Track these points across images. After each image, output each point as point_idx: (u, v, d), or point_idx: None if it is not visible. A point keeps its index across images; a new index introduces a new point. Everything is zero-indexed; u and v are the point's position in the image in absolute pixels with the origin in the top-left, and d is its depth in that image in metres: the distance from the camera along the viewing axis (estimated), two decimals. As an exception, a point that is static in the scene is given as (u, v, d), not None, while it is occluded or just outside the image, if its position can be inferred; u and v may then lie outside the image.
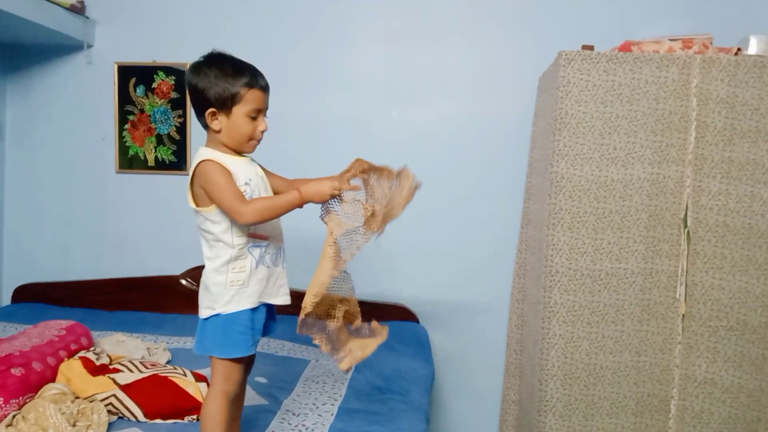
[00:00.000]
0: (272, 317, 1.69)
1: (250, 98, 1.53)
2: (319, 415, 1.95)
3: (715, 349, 2.23)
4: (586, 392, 2.27)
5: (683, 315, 2.24)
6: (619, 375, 2.27)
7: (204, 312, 1.56)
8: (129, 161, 3.07)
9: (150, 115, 3.04)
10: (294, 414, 1.95)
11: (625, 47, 2.35)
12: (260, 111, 1.55)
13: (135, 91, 3.04)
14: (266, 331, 1.66)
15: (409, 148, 2.94)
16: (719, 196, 2.21)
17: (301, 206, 1.52)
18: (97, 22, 3.04)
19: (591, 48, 2.29)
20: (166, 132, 3.04)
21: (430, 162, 2.94)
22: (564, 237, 2.24)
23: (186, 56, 2.91)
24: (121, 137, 3.06)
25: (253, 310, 1.56)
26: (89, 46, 3.04)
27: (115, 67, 3.03)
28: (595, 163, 2.23)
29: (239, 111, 1.53)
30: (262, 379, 2.22)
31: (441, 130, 2.94)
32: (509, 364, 2.78)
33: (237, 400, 1.64)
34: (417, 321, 2.94)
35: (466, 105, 2.93)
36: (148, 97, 3.03)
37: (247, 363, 1.67)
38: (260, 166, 1.67)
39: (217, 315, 1.54)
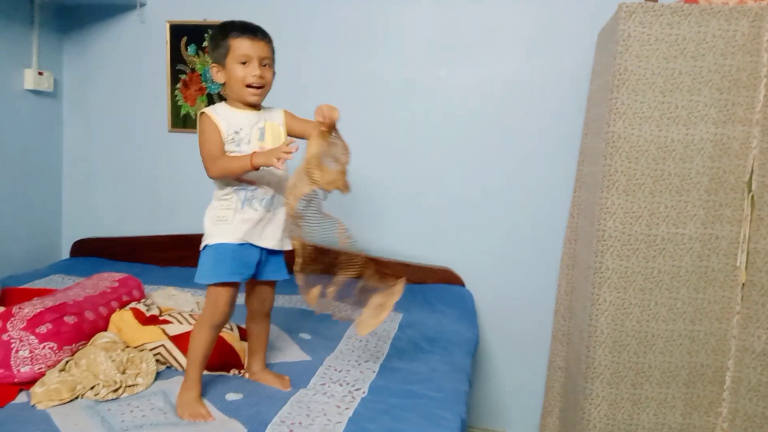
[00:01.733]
0: (274, 262, 1.79)
1: (236, 46, 1.68)
2: (361, 372, 1.96)
3: (777, 321, 2.12)
4: (635, 360, 2.20)
5: (743, 284, 2.13)
6: (671, 344, 2.18)
7: (202, 245, 1.73)
8: (181, 120, 3.11)
9: (201, 74, 3.06)
10: (336, 370, 1.97)
11: (692, -1, 2.21)
12: (249, 57, 1.67)
13: (186, 50, 3.06)
14: (262, 273, 1.77)
15: (458, 109, 2.88)
16: (789, 158, 2.08)
17: (253, 169, 1.63)
18: (149, -19, 3.07)
19: (654, 0, 2.16)
20: (216, 91, 3.06)
21: (480, 123, 2.87)
22: (618, 200, 2.15)
23: (236, 14, 2.84)
24: (173, 96, 3.09)
25: (241, 245, 1.69)
26: (142, 5, 3.07)
27: (167, 25, 3.05)
28: (654, 123, 2.12)
29: (230, 60, 1.69)
30: (306, 336, 2.24)
31: (491, 91, 2.85)
32: (556, 331, 2.72)
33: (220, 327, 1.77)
34: (462, 284, 2.90)
35: (519, 63, 2.82)
36: (199, 56, 3.05)
37: (257, 300, 1.83)
38: (284, 116, 1.79)
39: (206, 246, 1.71)
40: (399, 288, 1.83)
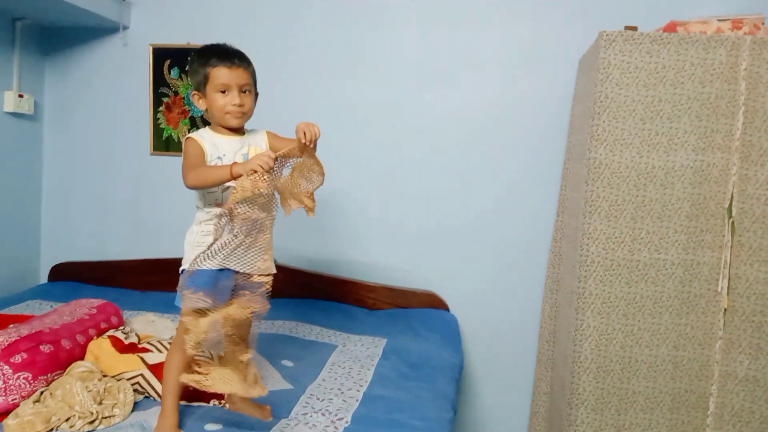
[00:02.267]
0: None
1: (215, 75, 1.68)
2: (344, 400, 1.93)
3: (759, 346, 2.13)
4: (619, 386, 2.20)
5: (725, 309, 2.15)
6: (655, 369, 2.19)
7: (181, 268, 1.72)
8: (164, 143, 3.08)
9: (184, 98, 3.05)
10: (318, 399, 1.94)
11: (670, 27, 2.25)
12: (228, 86, 1.67)
13: (169, 73, 3.05)
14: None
15: (443, 133, 2.89)
16: (767, 185, 2.10)
17: (233, 178, 1.58)
18: (132, 4, 3.06)
19: (634, 29, 2.19)
20: (199, 114, 3.04)
21: (464, 147, 2.88)
22: (601, 225, 2.16)
23: (220, 38, 2.84)
24: (155, 119, 3.07)
25: (220, 271, 1.65)
26: (125, 28, 3.06)
27: (150, 49, 3.04)
28: (635, 149, 2.14)
29: (210, 89, 1.69)
30: (288, 363, 2.21)
31: (475, 115, 2.87)
32: (541, 355, 2.71)
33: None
34: (447, 309, 2.89)
35: (502, 89, 2.85)
36: (182, 80, 3.04)
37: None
38: (267, 138, 1.79)
39: (183, 270, 1.70)
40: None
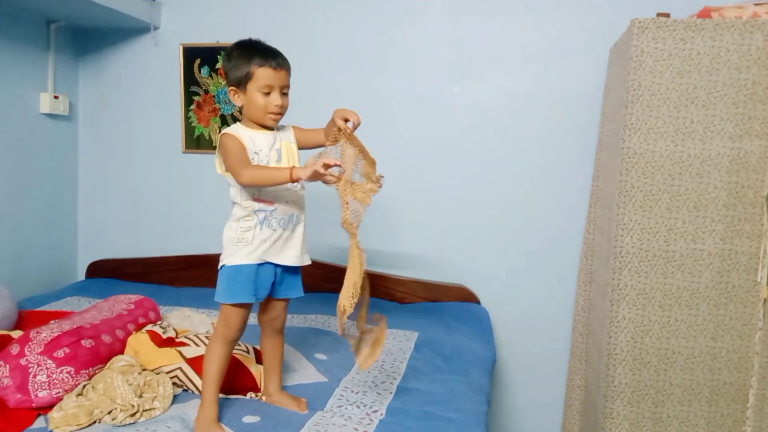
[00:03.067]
0: (289, 279, 1.80)
1: (260, 75, 1.68)
2: (378, 393, 1.94)
3: (801, 337, 2.08)
4: (656, 378, 2.17)
5: (765, 299, 2.10)
6: (692, 361, 2.15)
7: (220, 263, 1.75)
8: (195, 141, 3.13)
9: (214, 96, 3.08)
10: (353, 392, 1.95)
11: (705, 13, 2.20)
12: (272, 87, 1.69)
13: (200, 72, 3.08)
14: (277, 292, 1.79)
15: (472, 126, 2.87)
16: (808, 172, 2.05)
17: (292, 181, 1.62)
18: (162, 5, 3.10)
19: (666, 15, 2.15)
20: (229, 112, 3.08)
21: (494, 140, 2.86)
22: (635, 216, 2.13)
23: (248, 36, 2.92)
24: (187, 118, 3.11)
25: (259, 265, 1.71)
26: (156, 28, 3.10)
27: (181, 48, 3.08)
28: (670, 138, 2.11)
29: (252, 88, 1.69)
30: (322, 356, 2.22)
31: (505, 107, 2.85)
32: (575, 348, 2.69)
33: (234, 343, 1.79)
34: (478, 302, 2.88)
35: (532, 80, 2.82)
36: (212, 78, 3.07)
37: (268, 317, 1.83)
38: (294, 132, 1.81)
39: (223, 266, 1.73)
40: (384, 322, 1.79)
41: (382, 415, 1.80)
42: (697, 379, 2.16)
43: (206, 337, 2.03)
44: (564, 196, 2.81)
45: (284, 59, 1.73)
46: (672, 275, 2.14)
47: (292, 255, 1.77)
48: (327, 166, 1.57)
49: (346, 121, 1.70)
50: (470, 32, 2.85)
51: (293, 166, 1.66)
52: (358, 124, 1.71)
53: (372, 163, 1.70)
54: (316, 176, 1.58)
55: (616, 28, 2.52)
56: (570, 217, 2.80)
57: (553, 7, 2.78)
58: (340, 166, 1.61)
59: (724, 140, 2.09)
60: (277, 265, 1.75)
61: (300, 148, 1.81)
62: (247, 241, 1.70)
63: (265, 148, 1.72)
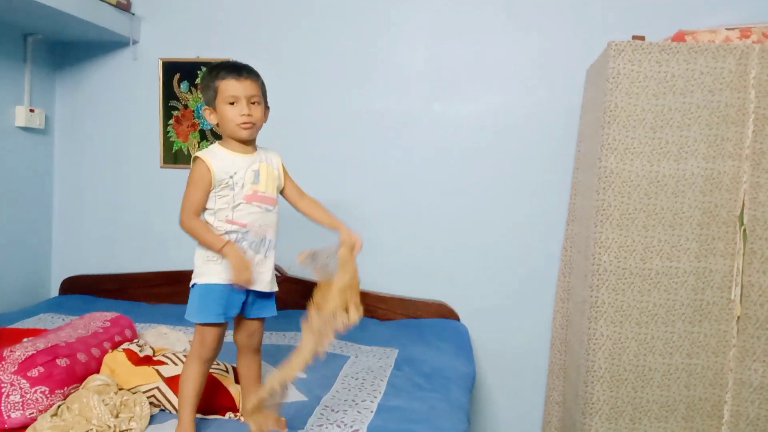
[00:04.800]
0: (261, 300, 1.79)
1: (224, 88, 1.70)
2: (358, 411, 1.93)
3: (773, 354, 2.12)
4: (633, 395, 2.19)
5: (738, 317, 2.14)
6: (669, 378, 2.18)
7: (191, 282, 1.75)
8: (173, 156, 3.10)
9: (193, 111, 3.07)
10: (333, 410, 1.93)
11: (679, 37, 2.26)
12: (237, 97, 1.70)
13: (179, 86, 3.07)
14: (249, 312, 1.78)
15: (452, 143, 2.90)
16: (779, 192, 2.11)
17: (219, 253, 1.67)
18: (142, 19, 3.08)
19: (642, 38, 2.21)
20: (208, 127, 3.06)
21: (473, 157, 2.89)
22: (612, 234, 2.16)
23: (228, 52, 2.93)
24: (165, 132, 3.09)
25: (229, 285, 1.70)
26: (135, 43, 3.09)
27: (160, 63, 3.07)
28: (645, 158, 2.15)
29: (220, 102, 1.71)
30: (301, 375, 2.20)
31: (484, 125, 2.88)
32: (553, 365, 2.71)
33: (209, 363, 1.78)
34: (458, 319, 2.89)
35: (511, 98, 2.86)
36: (191, 93, 3.06)
37: (244, 336, 1.81)
38: (281, 162, 1.83)
39: (194, 284, 1.73)
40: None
41: (362, 434, 1.79)
42: (674, 396, 2.19)
43: (184, 356, 2.00)
44: (542, 213, 2.84)
45: (250, 71, 1.74)
46: (648, 293, 2.17)
47: (263, 281, 1.75)
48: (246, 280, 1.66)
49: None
50: (451, 51, 2.89)
51: (228, 243, 1.66)
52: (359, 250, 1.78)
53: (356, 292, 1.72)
54: (237, 269, 1.64)
55: (592, 50, 2.57)
56: (548, 234, 2.83)
57: (531, 28, 2.83)
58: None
59: (698, 161, 2.14)
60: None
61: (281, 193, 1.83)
62: (217, 260, 1.69)
63: (240, 169, 1.71)
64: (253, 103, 1.73)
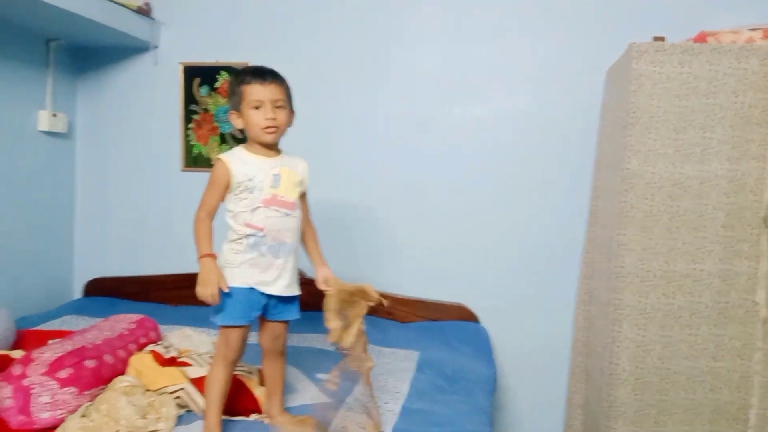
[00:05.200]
0: (283, 304, 1.81)
1: (248, 92, 1.73)
2: (382, 414, 1.93)
3: (800, 356, 2.11)
4: (658, 398, 2.18)
5: (764, 319, 2.13)
6: (694, 381, 2.17)
7: None
8: (194, 159, 3.13)
9: (213, 115, 3.09)
10: (356, 412, 1.94)
11: (701, 38, 2.25)
12: (261, 101, 1.72)
13: (199, 90, 3.09)
14: (272, 315, 1.80)
15: (470, 146, 2.90)
16: (805, 193, 2.09)
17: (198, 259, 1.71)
18: (162, 23, 3.11)
19: (662, 39, 2.20)
20: (228, 131, 3.08)
21: (491, 160, 2.89)
22: (636, 236, 2.15)
23: (248, 56, 2.95)
24: (186, 136, 3.12)
25: (250, 289, 1.72)
26: (155, 47, 3.11)
27: (180, 67, 3.09)
28: (669, 160, 2.14)
29: (245, 106, 1.74)
30: (323, 376, 2.21)
31: (502, 127, 2.88)
32: (575, 368, 2.70)
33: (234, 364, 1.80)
34: (477, 321, 2.88)
35: (529, 101, 2.86)
36: (211, 97, 3.08)
37: (268, 339, 1.83)
38: (306, 171, 1.86)
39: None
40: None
41: (388, 436, 1.79)
42: (699, 399, 2.17)
43: (210, 357, 2.02)
44: (562, 216, 2.83)
45: (275, 75, 1.76)
46: (673, 295, 2.16)
47: (281, 285, 1.77)
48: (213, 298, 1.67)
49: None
50: (468, 53, 2.89)
51: (209, 254, 1.69)
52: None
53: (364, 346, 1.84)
54: (200, 283, 1.67)
55: (612, 51, 2.56)
56: (568, 236, 2.82)
57: (549, 30, 2.82)
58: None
59: (722, 162, 2.13)
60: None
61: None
62: (236, 264, 1.72)
63: (260, 172, 1.73)
64: (278, 107, 1.74)
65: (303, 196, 1.86)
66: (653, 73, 2.14)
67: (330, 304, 1.77)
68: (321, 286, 1.81)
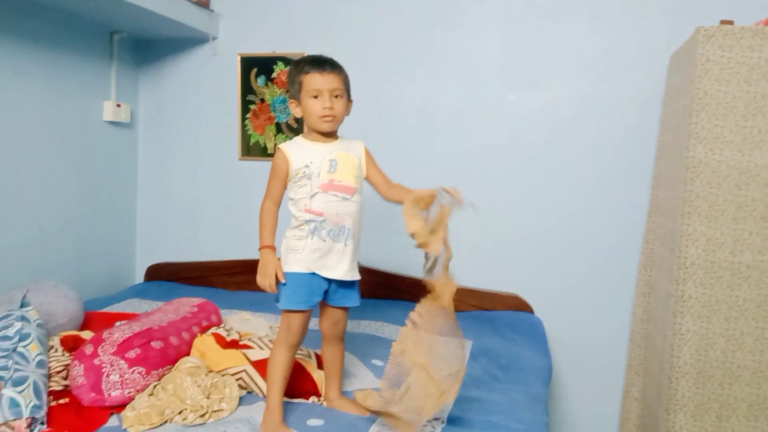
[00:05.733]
0: (344, 290, 1.83)
1: (307, 81, 1.75)
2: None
3: None
4: (720, 392, 2.12)
5: (836, 314, 2.04)
6: (759, 376, 2.10)
7: None
8: (251, 149, 3.19)
9: (270, 105, 3.14)
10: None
11: (773, 21, 2.16)
12: (320, 91, 1.74)
13: (256, 81, 3.15)
14: (332, 300, 1.82)
15: (526, 134, 2.87)
16: None
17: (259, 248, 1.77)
18: (221, 15, 3.17)
19: (730, 23, 2.12)
20: (284, 120, 3.13)
21: (548, 148, 2.85)
22: (700, 227, 2.09)
23: (303, 46, 2.99)
24: (243, 126, 3.18)
25: (310, 274, 1.75)
26: (214, 38, 3.18)
27: (238, 58, 3.15)
28: (736, 147, 2.07)
29: (304, 95, 1.76)
30: (378, 362, 2.24)
31: (561, 115, 2.83)
32: (632, 360, 2.65)
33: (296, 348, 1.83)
34: (532, 311, 2.86)
35: (587, 87, 2.80)
36: (268, 87, 3.13)
37: (328, 324, 1.86)
38: (364, 151, 1.86)
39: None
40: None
41: (443, 423, 1.80)
42: (764, 394, 2.10)
43: (269, 341, 2.06)
44: (621, 205, 2.77)
45: (334, 65, 1.78)
46: (738, 287, 2.09)
47: (342, 269, 1.79)
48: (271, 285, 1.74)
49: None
50: (526, 39, 2.85)
51: (268, 246, 1.76)
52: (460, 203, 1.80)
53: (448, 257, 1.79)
54: (259, 272, 1.74)
55: (676, 36, 2.49)
56: (627, 226, 2.76)
57: (611, 15, 2.75)
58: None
59: (793, 150, 2.05)
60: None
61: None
62: (298, 249, 1.75)
63: (317, 159, 1.75)
64: (336, 97, 1.76)
65: (373, 172, 1.85)
66: (721, 57, 2.07)
67: (408, 209, 1.70)
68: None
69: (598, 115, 2.78)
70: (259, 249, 1.76)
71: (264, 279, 1.74)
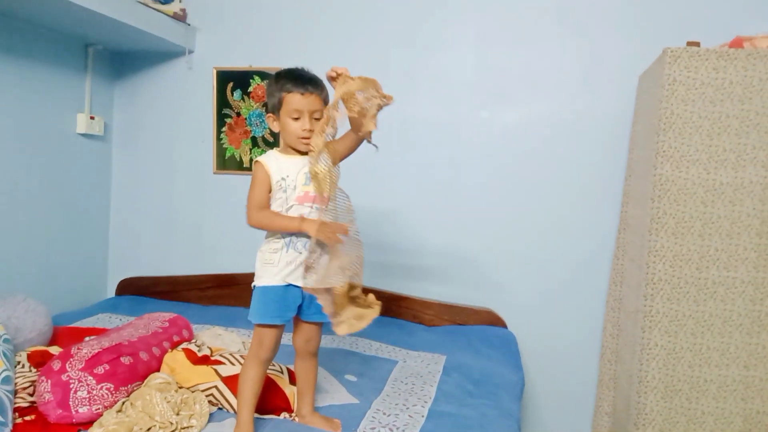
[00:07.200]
0: (317, 304, 1.78)
1: (289, 101, 1.74)
2: (410, 416, 1.95)
3: (836, 367, 2.07)
4: (688, 406, 2.16)
5: (799, 329, 2.09)
6: (725, 390, 2.14)
7: (252, 284, 1.81)
8: (226, 162, 3.18)
9: (246, 118, 3.14)
10: (385, 414, 1.96)
11: (736, 43, 2.22)
12: (300, 112, 1.73)
13: (232, 95, 3.15)
14: (306, 314, 1.81)
15: (500, 151, 2.91)
16: (843, 201, 2.05)
17: (298, 231, 1.72)
18: (197, 29, 3.18)
19: (697, 44, 2.18)
20: (260, 134, 3.13)
21: (522, 164, 2.89)
22: (667, 243, 2.14)
23: (280, 61, 2.96)
24: (218, 139, 3.17)
25: (286, 287, 1.75)
26: (190, 52, 3.18)
27: (214, 72, 3.15)
28: (702, 166, 2.12)
29: (284, 113, 1.76)
30: (351, 378, 2.24)
31: (533, 132, 2.88)
32: (603, 375, 2.68)
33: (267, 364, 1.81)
34: (505, 326, 2.88)
35: (560, 105, 2.85)
36: (244, 101, 3.14)
37: (302, 339, 1.85)
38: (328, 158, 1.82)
39: (255, 287, 1.78)
40: (378, 307, 1.81)
41: (415, 437, 1.80)
42: (730, 408, 2.14)
43: (240, 356, 2.05)
44: (592, 222, 2.82)
45: (316, 85, 1.77)
46: (704, 302, 2.14)
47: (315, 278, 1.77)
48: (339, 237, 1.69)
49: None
50: (499, 57, 2.90)
51: (303, 219, 1.72)
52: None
53: (372, 83, 1.78)
54: (322, 231, 1.67)
55: (645, 56, 2.55)
56: (598, 242, 2.80)
57: (582, 35, 2.81)
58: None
59: (756, 168, 2.10)
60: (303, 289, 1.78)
61: (341, 159, 1.82)
62: (273, 263, 1.75)
63: (292, 172, 1.76)
64: (316, 118, 1.76)
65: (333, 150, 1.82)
66: (687, 78, 2.12)
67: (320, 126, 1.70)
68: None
69: (569, 132, 2.84)
70: (299, 226, 1.70)
71: (327, 231, 1.68)
